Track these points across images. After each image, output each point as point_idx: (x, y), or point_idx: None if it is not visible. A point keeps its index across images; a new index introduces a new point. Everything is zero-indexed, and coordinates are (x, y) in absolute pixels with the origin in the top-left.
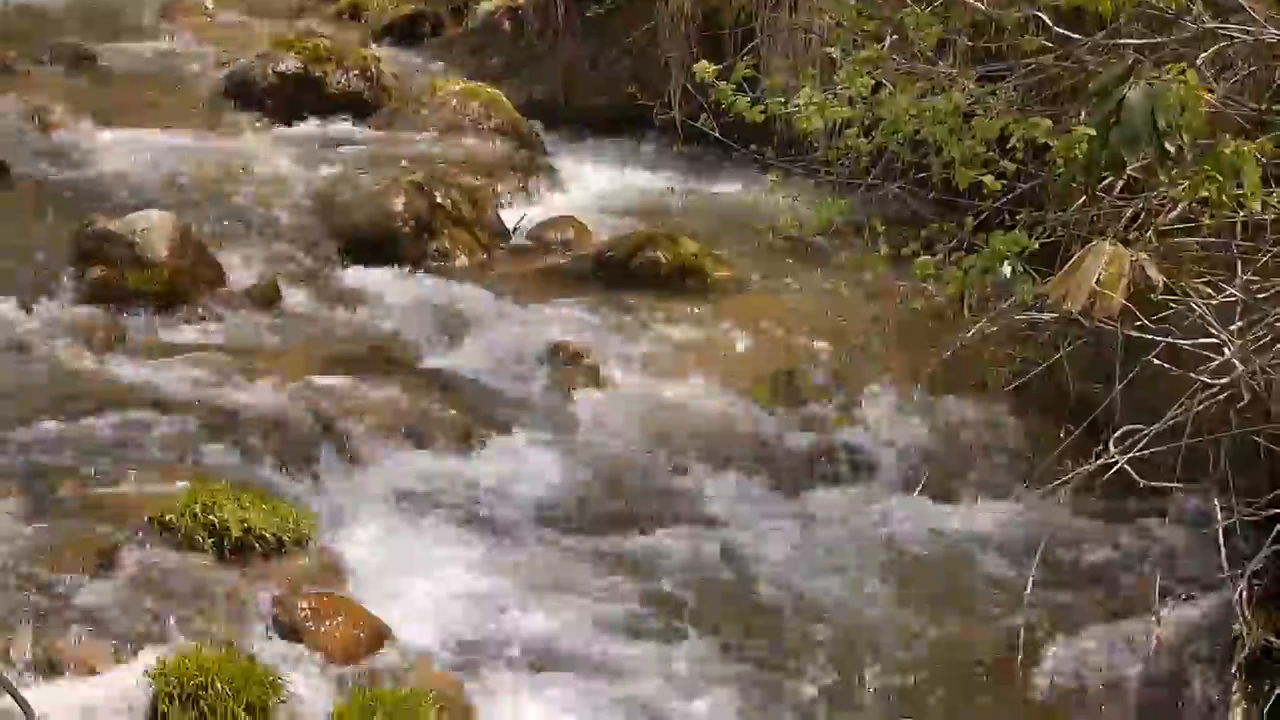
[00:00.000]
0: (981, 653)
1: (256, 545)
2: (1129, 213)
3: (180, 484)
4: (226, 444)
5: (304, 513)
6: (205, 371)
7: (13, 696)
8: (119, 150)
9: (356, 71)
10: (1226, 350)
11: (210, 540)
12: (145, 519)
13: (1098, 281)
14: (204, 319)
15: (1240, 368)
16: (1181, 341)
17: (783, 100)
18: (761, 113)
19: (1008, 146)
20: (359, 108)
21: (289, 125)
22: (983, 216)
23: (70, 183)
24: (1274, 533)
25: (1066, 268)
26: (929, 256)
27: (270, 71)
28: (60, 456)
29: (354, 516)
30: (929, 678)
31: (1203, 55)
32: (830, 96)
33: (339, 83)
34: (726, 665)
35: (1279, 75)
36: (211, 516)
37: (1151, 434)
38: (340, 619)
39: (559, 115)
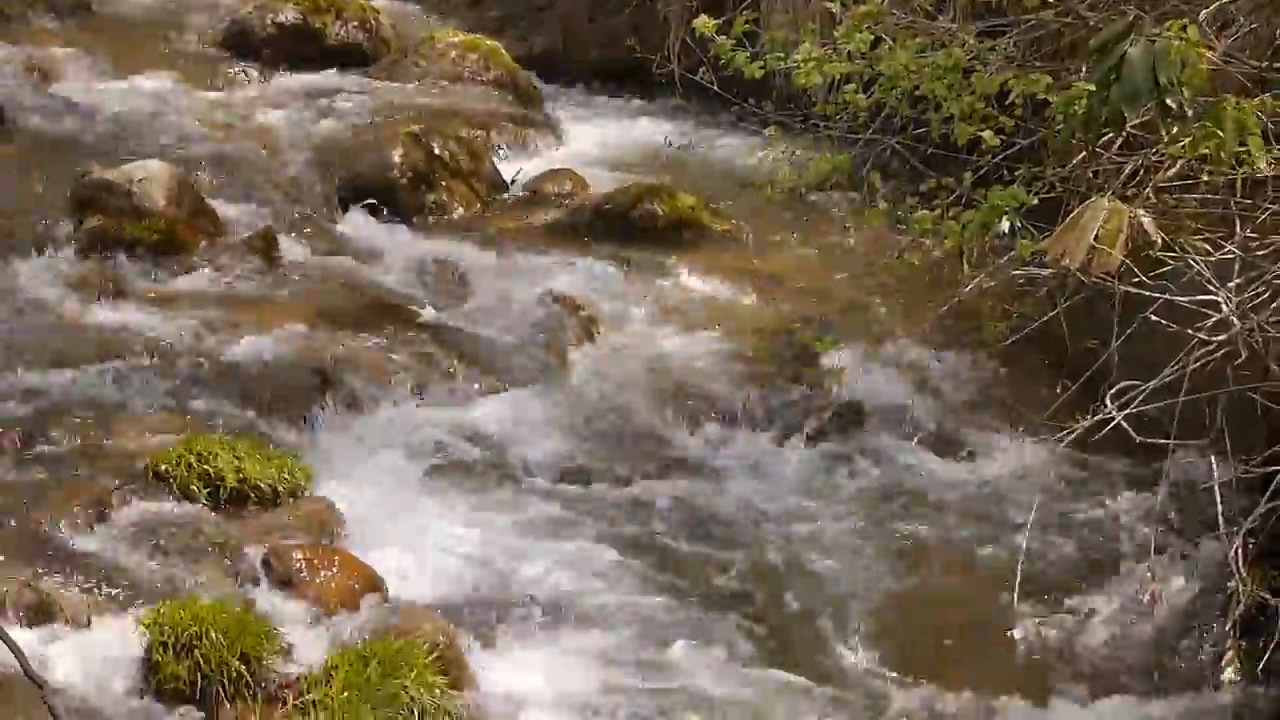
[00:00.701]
0: (975, 606)
1: (251, 495)
2: (1128, 169)
3: (176, 434)
4: (223, 394)
5: (299, 463)
6: (202, 321)
7: (10, 649)
8: (116, 100)
9: (355, 22)
10: (1224, 307)
11: (205, 490)
12: (140, 469)
13: (1096, 237)
14: (201, 269)
15: (1238, 325)
16: (1179, 298)
17: (782, 55)
18: (760, 68)
19: (1007, 102)
20: (358, 59)
21: (288, 76)
22: (981, 172)
23: (68, 133)
24: (1270, 490)
25: (1065, 224)
26: (927, 211)
27: (269, 22)
28: (56, 406)
29: (350, 467)
30: (920, 630)
31: (1204, 12)
32: (829, 51)
33: (338, 34)
34: (721, 615)
35: None
36: (207, 466)
37: (1148, 390)
38: (335, 569)
39: (558, 68)
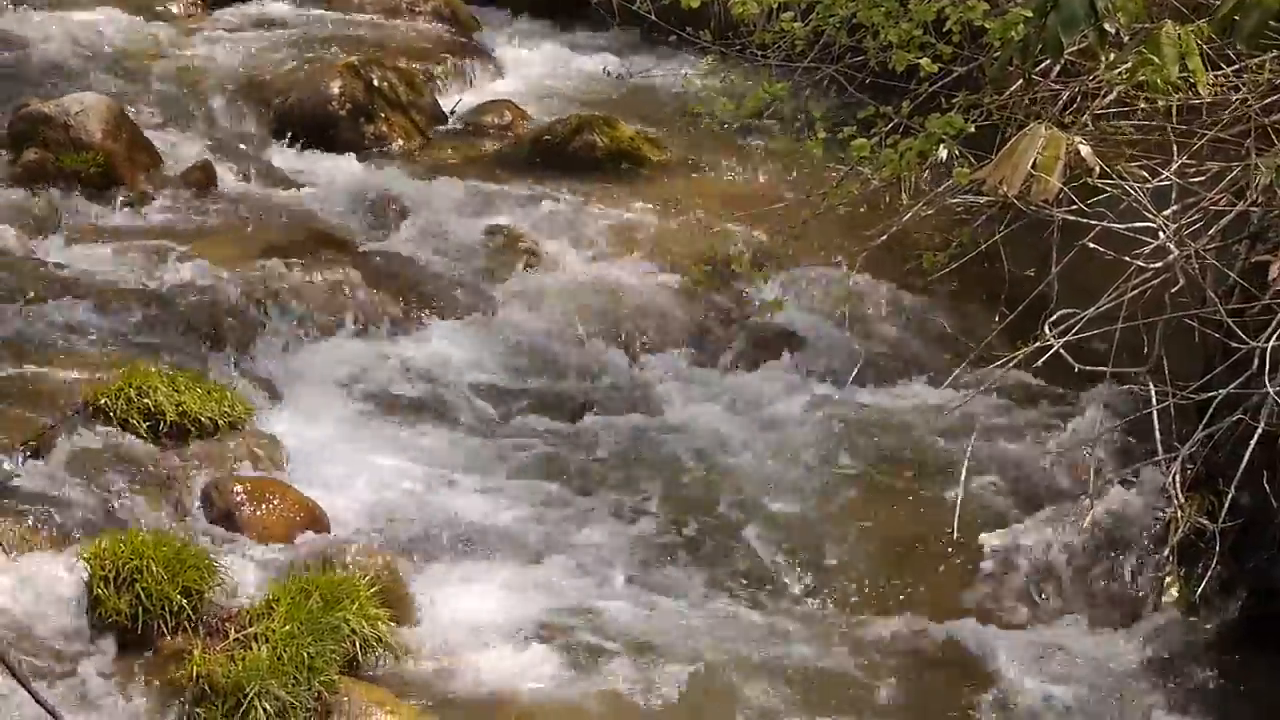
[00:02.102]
0: (916, 532)
1: (192, 429)
2: (1065, 96)
3: (115, 368)
4: (162, 328)
5: (239, 397)
6: (140, 254)
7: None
8: (52, 34)
9: None
10: (1161, 234)
11: (145, 424)
12: (79, 403)
13: (1034, 165)
14: (139, 202)
15: (1175, 252)
16: (1117, 226)
17: None
18: None
19: (944, 29)
20: None
21: (225, 8)
22: (919, 100)
23: (3, 65)
24: (1207, 416)
25: (1003, 151)
26: (865, 140)
27: None
28: None
29: (290, 400)
30: (863, 556)
31: None
32: None
33: None
34: (661, 544)
35: None
36: (146, 400)
37: (1086, 318)
38: (275, 502)
39: None
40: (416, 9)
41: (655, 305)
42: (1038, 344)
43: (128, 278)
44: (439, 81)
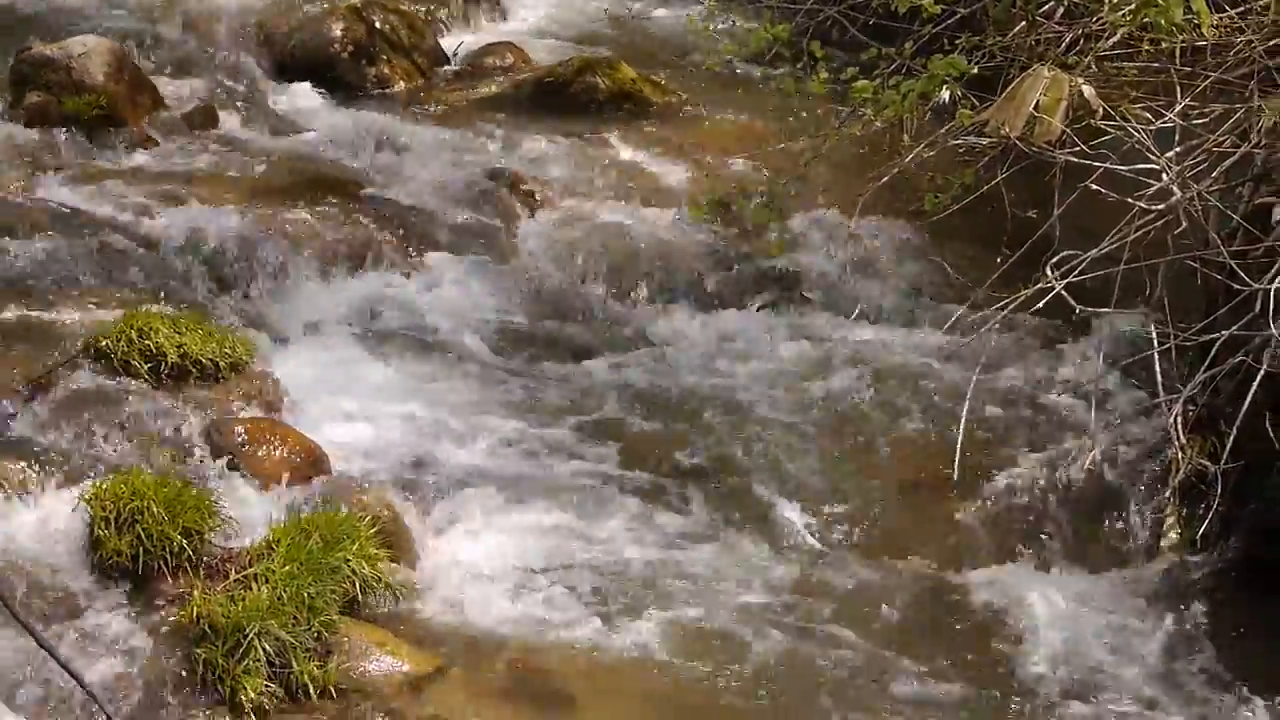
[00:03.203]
0: (917, 473)
1: (193, 370)
2: (1069, 38)
3: (116, 309)
4: (163, 269)
5: (241, 338)
6: (142, 195)
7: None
8: None
9: None
10: (1164, 176)
11: (146, 366)
12: (80, 344)
13: (1036, 107)
14: (141, 143)
15: (1178, 193)
16: (1119, 167)
17: None
18: None
19: None
20: None
21: None
22: (921, 41)
23: (5, 9)
24: (1209, 357)
25: (1005, 93)
26: (867, 81)
27: None
28: None
29: (291, 342)
30: (864, 496)
31: None
32: None
33: None
34: (665, 485)
35: None
36: (147, 342)
37: (1089, 259)
38: (277, 443)
39: None
40: None
41: (658, 247)
42: (1039, 285)
43: (129, 220)
44: (441, 24)
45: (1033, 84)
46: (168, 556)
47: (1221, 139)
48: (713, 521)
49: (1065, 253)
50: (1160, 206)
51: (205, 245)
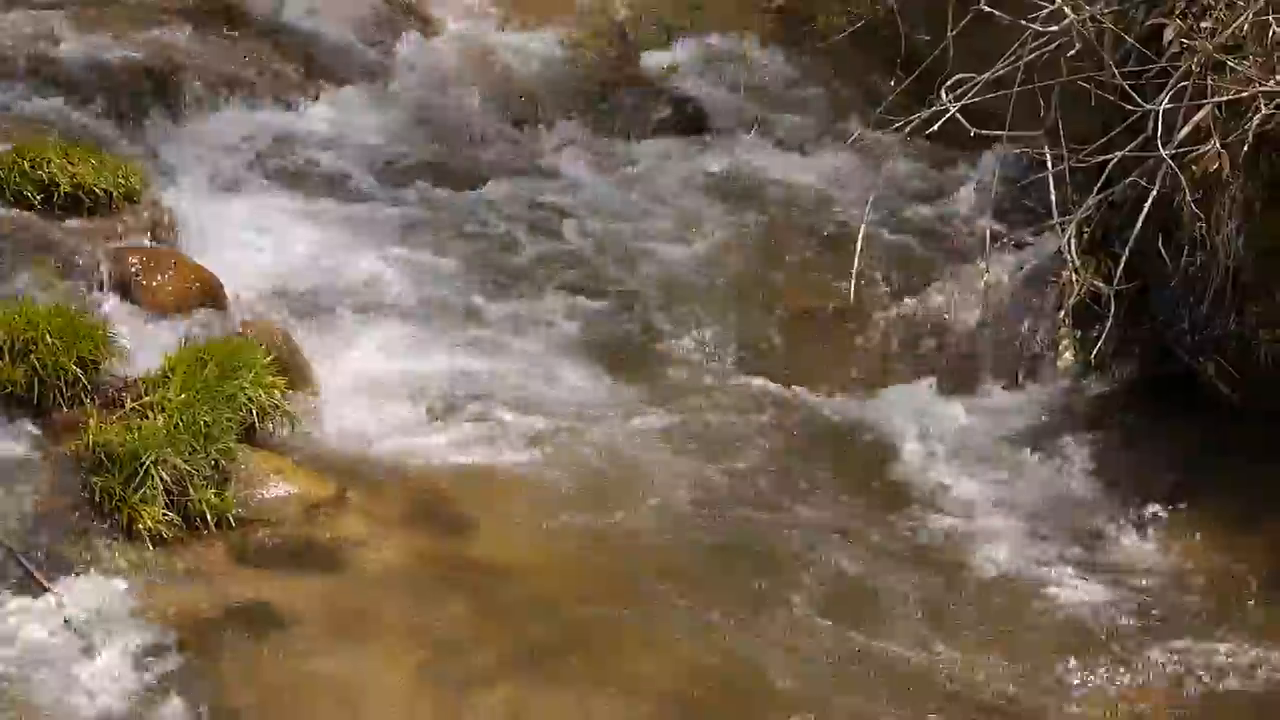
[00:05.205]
0: (812, 299)
1: (86, 200)
2: None
3: (6, 140)
4: (55, 98)
5: (134, 168)
6: (31, 24)
7: None
8: None
9: None
10: None
11: (39, 196)
12: None
13: None
14: None
15: (1071, 16)
16: None
17: None
18: None
19: None
20: None
21: None
22: None
23: None
24: (1102, 180)
25: None
26: None
27: None
28: None
29: (185, 171)
30: (760, 322)
31: None
32: None
33: None
34: (557, 309)
35: None
36: (40, 172)
37: (983, 82)
38: (171, 273)
39: None
40: None
41: (552, 73)
42: (934, 109)
43: (18, 48)
44: None
45: None
46: (63, 386)
47: None
48: (607, 348)
49: (959, 75)
50: (1054, 29)
51: (97, 74)
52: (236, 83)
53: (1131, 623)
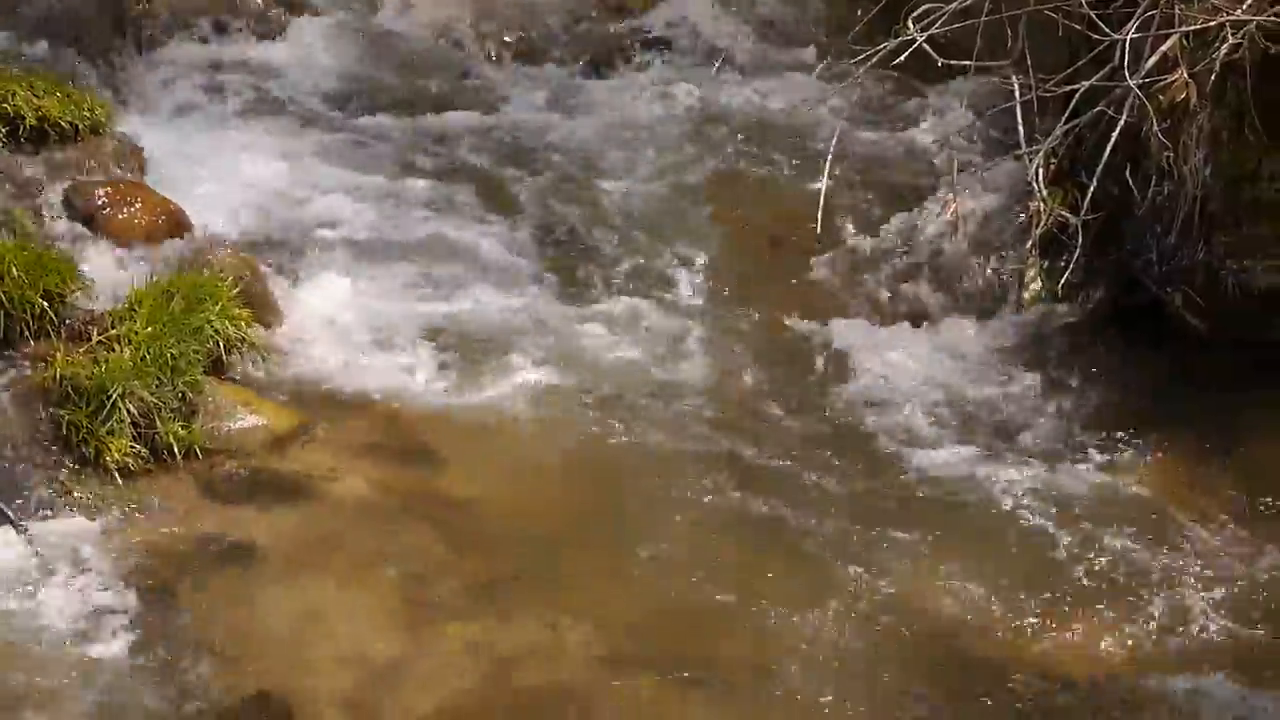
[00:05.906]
0: (781, 227)
1: (51, 133)
2: None
3: None
4: (20, 31)
5: (100, 101)
6: None
7: None
8: None
9: None
10: None
11: (4, 129)
12: None
13: None
14: None
15: None
16: None
17: None
18: None
19: None
20: None
21: None
22: None
23: None
24: (1069, 109)
25: None
26: None
27: None
28: None
29: (151, 104)
30: (727, 251)
31: None
32: None
33: None
34: (523, 241)
35: None
36: (4, 105)
37: (950, 11)
38: (138, 206)
39: None
40: None
41: (521, 6)
42: (900, 39)
43: None
44: None
45: None
46: (29, 320)
47: None
48: (575, 278)
49: (926, 5)
50: None
51: (63, 7)
52: (202, 14)
53: (1098, 553)
